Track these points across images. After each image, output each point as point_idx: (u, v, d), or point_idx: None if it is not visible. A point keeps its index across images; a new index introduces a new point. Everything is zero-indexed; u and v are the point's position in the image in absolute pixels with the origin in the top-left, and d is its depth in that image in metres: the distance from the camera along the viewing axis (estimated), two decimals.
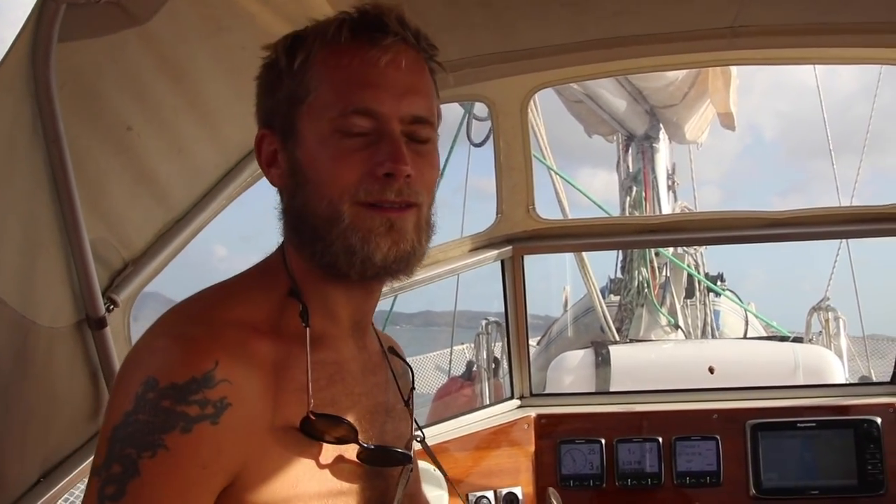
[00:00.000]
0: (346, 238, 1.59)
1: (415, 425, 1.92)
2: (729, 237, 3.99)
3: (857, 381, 7.14)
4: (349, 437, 1.60)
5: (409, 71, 1.62)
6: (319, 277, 1.66)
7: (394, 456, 1.73)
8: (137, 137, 2.35)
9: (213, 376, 1.44)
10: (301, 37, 1.65)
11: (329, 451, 1.59)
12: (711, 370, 5.39)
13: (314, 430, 1.55)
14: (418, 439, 1.89)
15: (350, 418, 1.63)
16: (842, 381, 6.15)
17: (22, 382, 2.05)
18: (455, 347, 13.40)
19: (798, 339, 7.46)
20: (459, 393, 9.57)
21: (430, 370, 15.43)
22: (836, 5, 2.77)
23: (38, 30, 1.91)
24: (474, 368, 10.14)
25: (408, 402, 1.92)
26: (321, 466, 1.58)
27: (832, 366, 6.07)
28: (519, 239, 3.90)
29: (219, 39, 2.32)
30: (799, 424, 3.72)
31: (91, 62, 2.13)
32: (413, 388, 1.99)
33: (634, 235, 4.12)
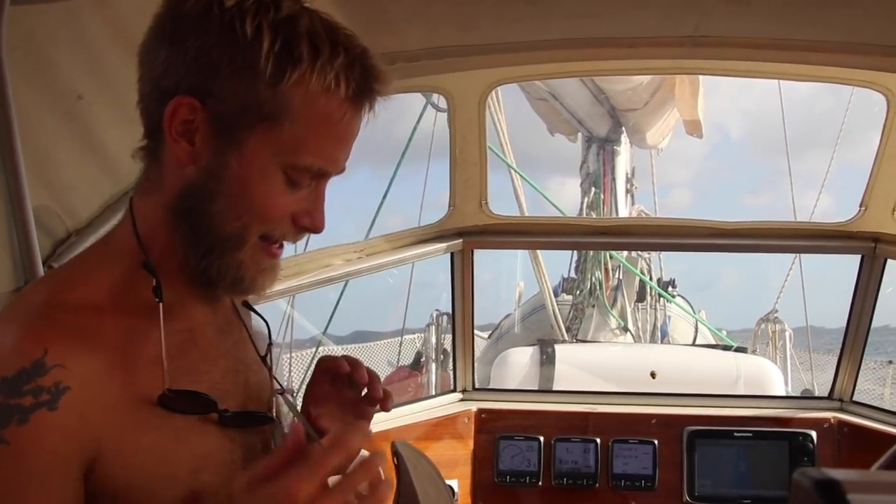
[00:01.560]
0: (238, 268, 1.57)
1: (276, 381, 1.87)
2: (678, 244, 4.04)
3: (797, 395, 7.22)
4: (208, 408, 1.58)
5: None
6: (178, 260, 1.61)
7: (255, 418, 1.70)
8: (88, 106, 2.32)
9: (44, 363, 1.40)
10: (293, 50, 1.49)
11: (192, 421, 1.57)
12: (653, 375, 5.43)
13: (173, 405, 1.53)
14: (279, 392, 1.85)
15: (209, 383, 1.62)
16: (781, 393, 6.21)
17: None
18: (406, 337, 13.44)
19: (742, 350, 7.52)
20: (406, 382, 9.59)
21: (380, 363, 15.46)
22: (796, 22, 2.79)
23: None
24: (422, 359, 10.17)
25: (265, 358, 1.86)
26: (185, 437, 1.55)
27: (773, 378, 6.13)
28: (470, 233, 3.90)
29: None
30: (736, 434, 3.76)
31: (44, 27, 2.10)
32: (270, 342, 1.94)
33: (586, 236, 4.14)
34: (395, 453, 1.59)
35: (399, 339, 13.67)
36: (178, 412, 1.53)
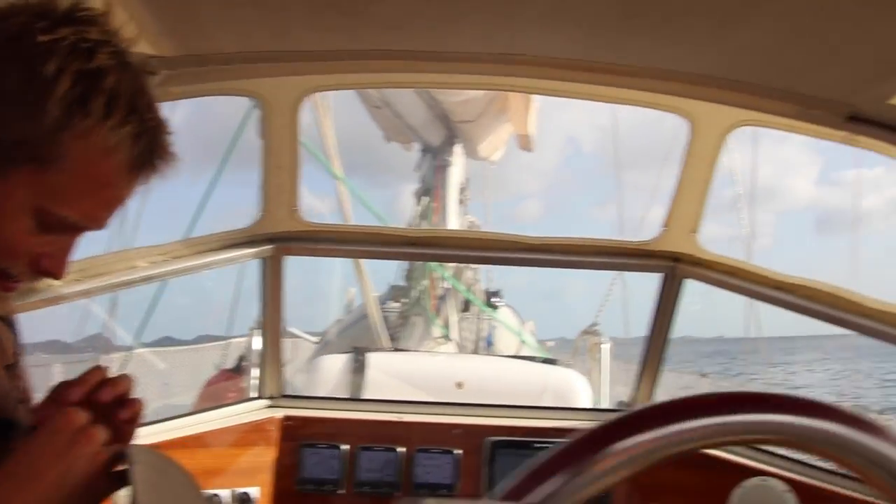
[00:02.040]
0: None
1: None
2: (486, 258, 4.10)
3: (599, 407, 7.39)
4: None
5: None
6: None
7: None
8: None
9: None
10: (86, 103, 1.45)
11: None
12: (460, 385, 5.50)
13: None
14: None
15: None
16: (588, 405, 6.38)
17: None
18: (234, 341, 13.24)
19: (551, 362, 7.69)
20: (226, 385, 9.45)
21: (208, 366, 15.16)
22: (602, 45, 2.85)
23: None
24: (244, 363, 10.04)
25: (10, 367, 1.76)
26: None
27: (579, 390, 6.30)
28: (281, 239, 3.86)
29: None
30: (536, 444, 3.83)
31: None
32: (17, 352, 1.88)
33: (401, 247, 4.15)
34: (127, 460, 1.54)
35: (226, 342, 13.46)
36: None
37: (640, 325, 4.18)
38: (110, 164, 1.48)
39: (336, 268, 12.05)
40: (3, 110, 1.44)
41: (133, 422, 1.61)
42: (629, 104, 3.48)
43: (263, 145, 3.55)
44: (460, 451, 3.82)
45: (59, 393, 1.55)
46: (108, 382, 1.57)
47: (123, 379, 1.61)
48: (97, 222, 1.54)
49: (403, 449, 3.81)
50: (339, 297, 12.31)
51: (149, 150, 1.52)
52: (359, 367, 6.07)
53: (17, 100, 1.43)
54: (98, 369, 1.58)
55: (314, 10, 2.64)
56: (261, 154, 3.57)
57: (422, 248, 4.12)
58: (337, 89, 4.36)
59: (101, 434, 1.50)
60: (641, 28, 2.65)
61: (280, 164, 3.57)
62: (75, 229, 1.54)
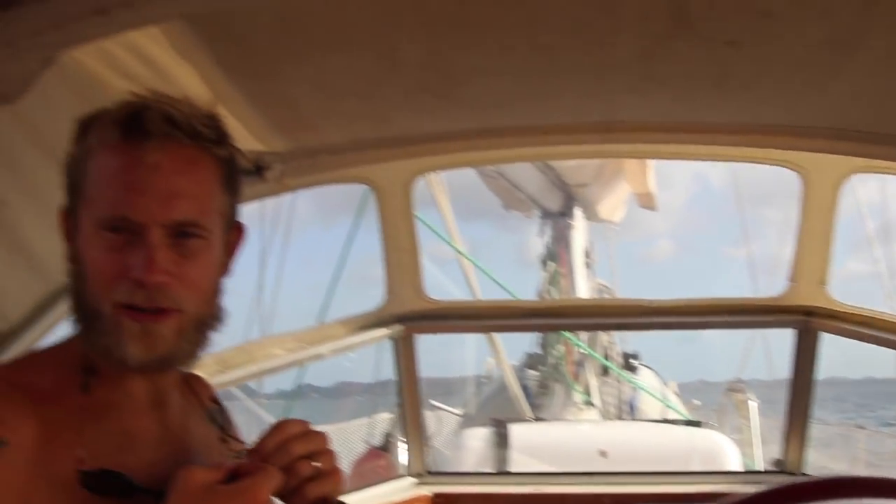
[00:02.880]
0: (104, 336, 1.60)
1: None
2: (613, 324, 4.10)
3: (749, 470, 7.19)
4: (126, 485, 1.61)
5: (174, 172, 1.61)
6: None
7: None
8: (12, 211, 2.39)
9: None
10: (88, 123, 1.65)
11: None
12: (604, 454, 5.45)
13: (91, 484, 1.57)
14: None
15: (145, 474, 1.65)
16: (737, 467, 6.24)
17: None
18: (379, 416, 13.35)
19: (695, 424, 7.53)
20: (375, 463, 9.53)
21: (356, 442, 15.31)
22: (700, 106, 2.87)
23: None
24: (391, 439, 10.12)
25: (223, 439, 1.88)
26: None
27: (726, 452, 6.16)
28: (409, 318, 3.94)
29: None
30: None
31: None
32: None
33: (529, 319, 4.19)
34: None
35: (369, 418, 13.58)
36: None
37: (785, 369, 4.08)
38: (110, 152, 1.60)
39: (470, 339, 12.07)
40: (68, 183, 1.66)
41: (315, 480, 1.65)
42: (736, 161, 3.47)
43: (381, 229, 3.65)
44: None
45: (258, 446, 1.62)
46: (302, 436, 1.64)
47: (318, 435, 1.68)
48: (137, 210, 1.58)
49: None
50: (476, 368, 12.33)
51: (131, 117, 1.60)
52: (501, 440, 6.07)
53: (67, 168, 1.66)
54: (295, 422, 1.66)
55: (410, 96, 2.72)
56: (380, 238, 3.68)
57: (551, 318, 4.16)
58: (444, 169, 4.44)
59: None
60: (735, 88, 2.65)
61: (399, 245, 3.66)
62: (130, 229, 1.59)
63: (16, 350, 2.56)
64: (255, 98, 2.62)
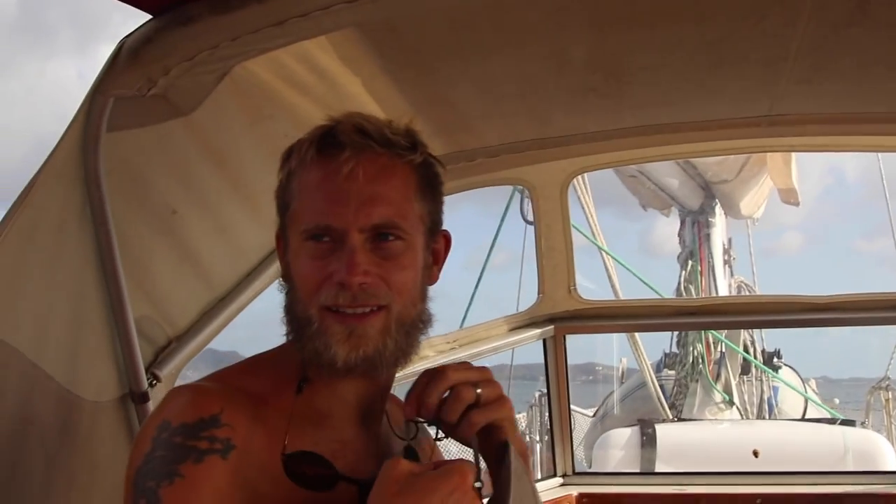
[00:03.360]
0: (313, 341, 1.66)
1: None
2: (773, 321, 3.99)
3: None
4: (329, 470, 1.67)
5: (369, 180, 1.66)
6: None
7: None
8: (182, 220, 2.45)
9: (219, 419, 1.56)
10: (290, 150, 1.73)
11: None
12: (756, 454, 5.33)
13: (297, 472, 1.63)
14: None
15: (346, 497, 1.69)
16: (894, 467, 6.04)
17: (65, 453, 2.13)
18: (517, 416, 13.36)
19: (849, 423, 7.31)
20: None
21: None
22: (870, 97, 2.79)
23: (87, 121, 2.02)
24: (527, 439, 10.12)
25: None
26: None
27: (883, 451, 5.97)
28: (561, 318, 3.93)
29: (261, 127, 2.42)
30: None
31: (137, 150, 2.23)
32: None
33: (678, 318, 4.14)
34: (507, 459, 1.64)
35: None
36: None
37: None
38: (310, 168, 1.68)
39: (601, 340, 11.98)
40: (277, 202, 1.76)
41: (480, 407, 1.66)
42: None
43: (536, 229, 3.65)
44: None
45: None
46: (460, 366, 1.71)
47: (478, 368, 1.72)
48: (342, 218, 1.64)
49: None
50: (608, 369, 12.22)
51: (324, 134, 1.67)
52: (648, 440, 6.01)
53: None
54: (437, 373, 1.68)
55: (575, 97, 2.72)
56: (535, 239, 3.67)
57: (700, 317, 4.08)
58: (600, 168, 4.40)
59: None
60: None
61: (553, 245, 3.65)
62: (332, 237, 1.65)
63: (181, 357, 2.62)
64: (417, 102, 2.65)
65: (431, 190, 1.78)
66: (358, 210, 1.64)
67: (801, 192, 9.09)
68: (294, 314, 1.69)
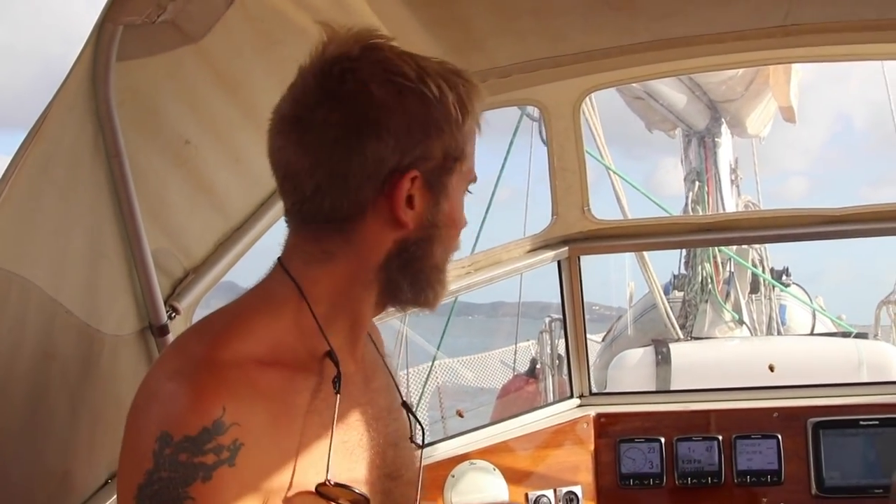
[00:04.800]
0: (434, 287, 1.78)
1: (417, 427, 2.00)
2: (787, 235, 3.97)
3: None
4: (359, 501, 1.66)
5: None
6: (350, 311, 1.77)
7: None
8: (195, 150, 2.42)
9: (223, 423, 1.49)
10: (462, 97, 1.71)
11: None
12: (771, 368, 5.35)
13: (327, 494, 1.62)
14: (418, 444, 1.95)
15: (359, 432, 1.76)
16: None
17: (88, 387, 2.13)
18: (520, 344, 13.44)
19: (862, 336, 7.34)
20: (523, 390, 9.62)
21: (495, 365, 15.53)
22: (888, 1, 2.75)
23: (96, 51, 1.98)
24: (538, 366, 10.19)
25: (410, 409, 1.99)
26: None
27: None
28: (575, 240, 3.91)
29: (273, 53, 2.38)
30: (861, 422, 3.68)
31: (148, 79, 2.20)
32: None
33: (691, 234, 4.11)
34: None
35: (513, 346, 13.69)
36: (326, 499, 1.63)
37: None
38: (472, 136, 1.78)
39: (611, 261, 11.97)
40: (428, 145, 1.69)
41: None
42: None
43: (549, 150, 3.63)
44: (781, 436, 3.72)
45: None
46: None
47: None
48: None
49: (722, 437, 3.75)
50: (616, 292, 12.23)
51: (481, 108, 1.79)
52: (663, 359, 6.03)
53: (434, 129, 1.68)
54: None
55: (589, 10, 2.68)
56: (547, 159, 3.65)
57: (714, 233, 4.06)
58: (613, 86, 4.37)
59: None
60: None
61: (566, 166, 3.62)
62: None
63: (199, 289, 2.61)
64: (428, 22, 2.62)
65: None
66: None
67: (799, 116, 9.05)
68: (434, 264, 1.77)
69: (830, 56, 3.25)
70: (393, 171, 1.66)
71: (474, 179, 1.80)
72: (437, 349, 10.91)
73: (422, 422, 2.00)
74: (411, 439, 1.93)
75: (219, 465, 1.48)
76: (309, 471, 1.61)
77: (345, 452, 1.70)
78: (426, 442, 1.95)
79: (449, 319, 9.99)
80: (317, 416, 1.64)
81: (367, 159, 1.64)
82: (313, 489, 1.60)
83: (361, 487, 1.69)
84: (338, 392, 1.66)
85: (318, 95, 1.67)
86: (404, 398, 2.00)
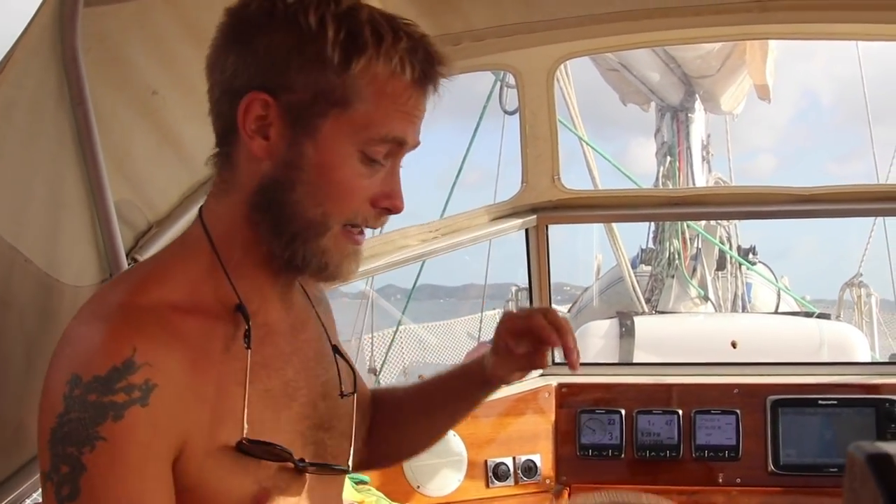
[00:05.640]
0: (323, 255, 1.64)
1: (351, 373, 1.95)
2: (756, 212, 3.97)
3: (883, 360, 7.10)
4: (283, 458, 1.64)
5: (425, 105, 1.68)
6: (260, 256, 1.70)
7: (331, 469, 1.80)
8: (162, 101, 2.39)
9: (134, 362, 1.47)
10: (357, 38, 1.57)
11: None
12: (734, 344, 5.39)
13: (248, 451, 1.59)
14: (348, 393, 1.88)
15: (283, 380, 1.71)
16: (867, 359, 6.13)
17: (45, 338, 2.09)
18: (486, 313, 13.49)
19: (824, 316, 7.41)
20: None
21: (461, 337, 15.56)
22: None
23: None
24: None
25: (337, 350, 1.94)
26: (254, 471, 1.64)
27: (857, 344, 6.05)
28: (544, 208, 3.89)
29: None
30: (820, 402, 3.71)
31: (117, 27, 2.16)
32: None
33: (661, 208, 4.11)
34: None
35: (479, 315, 13.74)
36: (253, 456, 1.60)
37: None
38: (400, 84, 1.60)
39: (579, 233, 12.01)
40: (291, 76, 1.58)
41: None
42: None
43: (521, 117, 3.60)
44: (740, 412, 3.74)
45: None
46: None
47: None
48: (410, 140, 1.65)
49: (682, 411, 3.77)
50: (583, 263, 12.28)
51: (427, 61, 1.63)
52: (627, 332, 6.05)
53: (298, 61, 1.57)
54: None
55: None
56: (518, 126, 3.62)
57: (683, 207, 4.07)
58: (588, 55, 4.35)
59: None
60: None
61: (538, 134, 3.60)
62: (395, 153, 1.65)
63: (162, 242, 2.58)
64: None
65: None
66: (417, 134, 1.66)
67: (773, 94, 9.06)
68: (299, 214, 1.63)
69: (807, 34, 3.24)
70: (244, 88, 1.59)
71: (386, 134, 1.61)
72: (402, 314, 10.91)
73: (355, 367, 1.95)
74: (341, 393, 1.86)
75: (130, 404, 1.45)
76: (227, 419, 1.58)
77: (268, 401, 1.67)
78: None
79: (415, 286, 9.99)
80: (235, 364, 1.61)
81: (227, 72, 1.61)
82: (233, 443, 1.57)
83: (290, 437, 1.68)
84: (248, 347, 1.62)
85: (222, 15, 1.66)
86: (335, 343, 1.95)
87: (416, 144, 1.67)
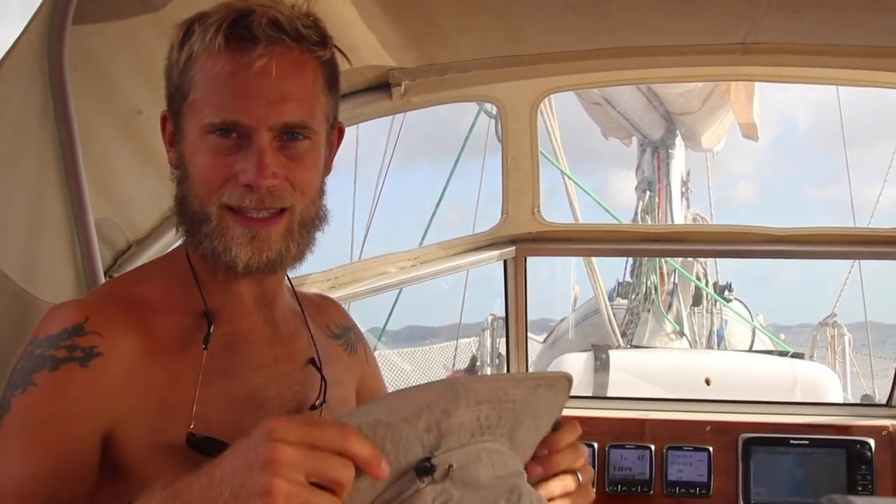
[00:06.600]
0: (211, 240, 1.67)
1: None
2: (733, 251, 4.00)
3: (855, 402, 7.13)
4: None
5: (282, 76, 1.63)
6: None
7: None
8: (147, 121, 2.39)
9: (83, 327, 1.54)
10: (188, 32, 1.68)
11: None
12: (708, 381, 5.40)
13: (196, 447, 1.59)
14: (317, 404, 1.85)
15: (248, 388, 1.72)
16: (839, 400, 6.16)
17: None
18: (461, 341, 13.48)
19: (798, 356, 7.45)
20: None
21: (436, 366, 15.52)
22: (848, 28, 2.77)
23: (53, 12, 1.95)
24: (478, 363, 10.21)
25: (318, 366, 1.89)
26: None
27: (830, 384, 6.08)
28: (523, 240, 3.90)
29: None
30: (792, 441, 3.71)
31: (104, 46, 2.17)
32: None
33: (640, 243, 4.12)
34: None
35: (455, 342, 13.73)
36: (200, 453, 1.58)
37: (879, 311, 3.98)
38: (218, 57, 1.63)
39: (557, 263, 12.04)
40: (168, 88, 1.74)
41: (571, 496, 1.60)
42: (880, 86, 3.29)
43: (503, 149, 3.61)
44: (713, 449, 3.75)
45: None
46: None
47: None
48: (249, 113, 1.62)
49: (654, 446, 3.78)
50: (560, 293, 12.30)
51: (235, 22, 1.62)
52: (602, 365, 6.06)
53: (169, 72, 1.74)
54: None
55: (552, 13, 2.68)
56: (501, 158, 3.64)
57: (661, 244, 4.08)
58: (572, 90, 4.38)
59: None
60: (889, 7, 2.54)
61: (519, 166, 3.61)
62: (240, 132, 1.63)
63: (141, 261, 2.58)
64: (391, 11, 2.60)
65: (335, 84, 1.78)
66: (269, 108, 1.62)
67: (766, 118, 9.16)
68: (189, 208, 1.69)
69: (789, 77, 3.27)
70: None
71: (216, 116, 1.62)
72: (379, 340, 10.90)
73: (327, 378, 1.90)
74: (312, 406, 1.83)
75: (68, 360, 1.51)
76: (178, 414, 1.60)
77: (229, 406, 1.67)
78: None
79: (392, 311, 9.99)
80: (192, 363, 1.65)
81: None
82: (182, 438, 1.59)
83: None
84: (205, 348, 1.66)
85: None
86: (318, 361, 1.90)
87: (275, 122, 1.63)
